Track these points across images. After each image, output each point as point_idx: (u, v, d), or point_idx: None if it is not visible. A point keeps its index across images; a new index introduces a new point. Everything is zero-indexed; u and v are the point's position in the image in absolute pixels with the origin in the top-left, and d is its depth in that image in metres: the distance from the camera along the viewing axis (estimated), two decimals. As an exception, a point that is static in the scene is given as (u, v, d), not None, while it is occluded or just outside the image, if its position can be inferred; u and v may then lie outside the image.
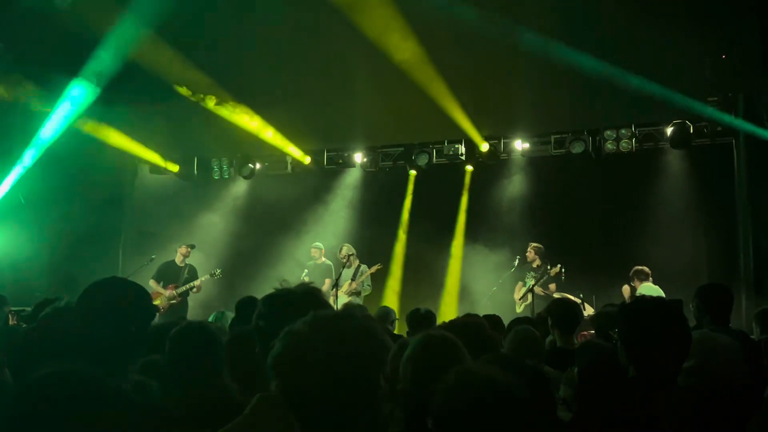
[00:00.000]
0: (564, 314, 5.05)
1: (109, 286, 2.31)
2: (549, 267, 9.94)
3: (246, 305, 5.21)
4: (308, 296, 2.47)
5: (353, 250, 11.03)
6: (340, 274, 10.61)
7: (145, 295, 2.35)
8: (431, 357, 2.50)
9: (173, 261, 11.15)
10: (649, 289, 9.02)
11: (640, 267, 9.37)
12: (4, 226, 11.15)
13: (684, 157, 10.84)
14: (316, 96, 11.01)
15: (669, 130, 10.60)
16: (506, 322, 6.09)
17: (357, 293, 10.90)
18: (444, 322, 3.60)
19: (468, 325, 3.13)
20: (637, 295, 8.62)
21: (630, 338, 2.52)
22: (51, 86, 10.46)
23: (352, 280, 10.91)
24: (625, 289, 9.35)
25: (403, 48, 9.88)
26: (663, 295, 8.76)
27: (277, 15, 9.40)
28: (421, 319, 5.53)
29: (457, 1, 8.67)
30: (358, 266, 10.98)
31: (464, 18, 8.76)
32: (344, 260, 10.88)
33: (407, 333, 5.84)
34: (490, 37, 8.90)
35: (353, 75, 10.64)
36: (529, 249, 10.41)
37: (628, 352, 2.51)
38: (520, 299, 10.22)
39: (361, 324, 1.73)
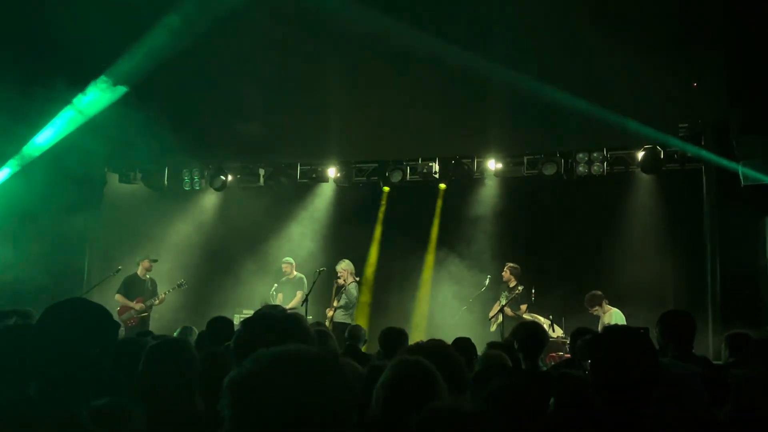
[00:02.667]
0: (528, 338, 5.04)
1: (69, 308, 2.23)
2: (518, 287, 9.99)
3: (218, 324, 5.13)
4: (290, 322, 2.42)
5: (352, 267, 10.92)
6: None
7: (106, 317, 2.28)
8: (406, 384, 2.46)
9: (136, 275, 11.10)
10: (618, 316, 9.08)
11: (598, 292, 9.43)
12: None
13: (654, 181, 10.98)
14: (291, 109, 10.96)
15: (640, 155, 10.74)
16: (478, 340, 6.05)
17: (345, 308, 10.77)
18: (410, 346, 3.55)
19: (435, 348, 3.09)
20: (612, 323, 8.68)
21: (599, 372, 2.50)
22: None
23: (339, 297, 10.83)
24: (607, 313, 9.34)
25: (380, 65, 9.89)
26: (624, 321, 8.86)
27: (254, 29, 9.37)
28: (393, 338, 5.46)
29: (432, 33, 8.73)
30: (353, 282, 10.88)
31: (441, 47, 8.85)
32: (341, 276, 10.80)
33: (378, 353, 5.78)
34: (466, 65, 8.97)
35: (329, 90, 10.61)
36: (505, 269, 10.44)
37: (597, 385, 2.49)
38: (491, 318, 10.23)
39: (327, 368, 1.63)
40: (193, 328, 7.43)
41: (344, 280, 10.72)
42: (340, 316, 10.60)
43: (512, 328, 5.94)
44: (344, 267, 10.84)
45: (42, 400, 2.07)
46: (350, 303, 10.75)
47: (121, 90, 10.50)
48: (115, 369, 3.44)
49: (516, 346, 5.04)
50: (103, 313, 2.27)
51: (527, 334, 5.08)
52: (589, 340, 2.73)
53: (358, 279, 10.92)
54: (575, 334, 5.84)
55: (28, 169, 10.93)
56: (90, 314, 2.23)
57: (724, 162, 9.58)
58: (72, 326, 2.16)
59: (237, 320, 10.09)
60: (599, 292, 9.42)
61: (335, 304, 10.73)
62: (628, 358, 2.44)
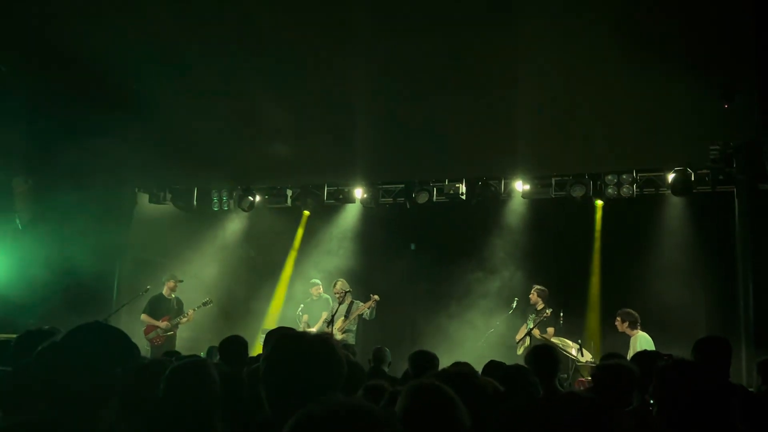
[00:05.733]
0: (541, 360, 4.95)
1: (87, 332, 2.26)
2: (546, 310, 9.88)
3: (231, 344, 5.13)
4: (320, 344, 2.40)
5: (348, 287, 10.91)
6: (336, 309, 10.50)
7: (124, 339, 2.30)
8: (424, 411, 2.42)
9: (161, 294, 11.25)
10: (644, 340, 8.92)
11: (631, 311, 9.27)
12: (2, 251, 11.10)
13: (685, 204, 10.82)
14: (318, 130, 11.01)
15: (670, 177, 10.60)
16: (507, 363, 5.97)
17: (350, 330, 10.75)
18: (433, 372, 3.51)
19: (459, 375, 3.05)
20: (638, 347, 8.52)
21: (669, 404, 2.42)
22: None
23: (345, 317, 10.77)
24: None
25: (407, 86, 9.90)
26: (653, 346, 8.69)
27: (283, 50, 9.44)
28: (425, 360, 5.41)
29: (459, 54, 8.75)
30: (351, 303, 10.85)
31: (468, 68, 8.88)
32: (338, 296, 10.78)
33: (404, 373, 5.74)
34: (493, 85, 8.98)
35: (356, 110, 10.65)
36: (532, 291, 10.34)
37: (665, 416, 2.40)
38: (519, 341, 10.12)
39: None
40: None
41: (341, 298, 10.68)
42: (352, 339, 10.54)
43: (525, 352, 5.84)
44: (341, 287, 10.82)
45: (62, 422, 2.09)
46: (368, 316, 10.75)
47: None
48: (140, 390, 3.48)
49: (531, 370, 4.95)
50: (119, 335, 2.30)
51: (540, 357, 5.00)
52: (657, 372, 2.62)
53: (377, 299, 10.83)
54: (605, 359, 5.73)
55: (58, 188, 11.09)
56: (108, 337, 2.26)
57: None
58: (90, 349, 2.19)
59: (261, 339, 10.12)
60: (635, 314, 9.22)
61: (343, 325, 10.64)
62: (696, 392, 2.38)
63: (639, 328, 9.13)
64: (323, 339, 2.47)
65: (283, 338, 2.49)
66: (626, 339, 9.21)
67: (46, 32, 8.78)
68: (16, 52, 9.24)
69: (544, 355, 5.02)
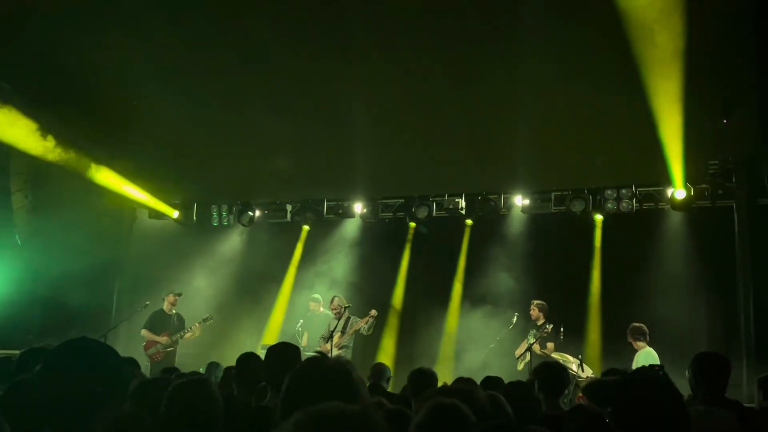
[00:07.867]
0: (549, 377, 4.91)
1: (76, 348, 2.25)
2: (547, 325, 9.84)
3: (248, 362, 5.10)
4: (340, 374, 2.35)
5: (346, 303, 10.87)
6: (335, 326, 10.46)
7: (111, 354, 2.29)
8: (440, 426, 2.43)
9: (162, 310, 11.20)
10: (647, 355, 8.87)
11: (637, 324, 9.21)
12: (1, 266, 11.08)
13: (684, 218, 10.82)
14: (318, 145, 11.03)
15: (670, 192, 10.62)
16: (505, 378, 5.94)
17: (346, 346, 10.70)
18: (433, 389, 3.50)
19: (459, 391, 3.06)
20: (636, 365, 8.47)
21: (626, 423, 2.41)
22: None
23: (342, 332, 10.73)
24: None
25: (407, 101, 9.94)
26: (658, 361, 8.62)
27: (281, 65, 9.48)
28: (424, 378, 5.37)
29: (459, 69, 8.79)
30: (348, 318, 10.81)
31: (467, 83, 8.92)
32: (335, 312, 10.75)
33: (403, 389, 5.72)
34: (492, 101, 9.02)
35: (355, 126, 10.67)
36: (532, 307, 10.28)
37: None
38: (519, 357, 10.07)
39: None
40: (220, 364, 7.45)
41: (338, 314, 10.64)
42: (349, 354, 10.47)
43: (534, 367, 5.80)
44: (338, 303, 10.78)
45: None
46: (365, 332, 10.71)
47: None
48: (140, 407, 3.47)
49: (537, 386, 4.92)
50: (107, 350, 2.28)
51: (548, 374, 4.96)
52: (613, 389, 2.62)
53: (375, 315, 10.78)
54: (605, 375, 5.70)
55: (60, 202, 11.10)
56: (93, 353, 2.24)
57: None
58: (77, 366, 2.18)
59: (261, 355, 10.06)
60: (640, 325, 9.13)
61: (339, 341, 10.58)
62: (653, 408, 2.36)
63: (645, 341, 9.05)
64: (343, 364, 2.42)
65: (304, 365, 2.42)
66: (628, 355, 9.19)
67: (46, 49, 8.83)
68: (17, 69, 9.28)
69: (554, 373, 4.98)
